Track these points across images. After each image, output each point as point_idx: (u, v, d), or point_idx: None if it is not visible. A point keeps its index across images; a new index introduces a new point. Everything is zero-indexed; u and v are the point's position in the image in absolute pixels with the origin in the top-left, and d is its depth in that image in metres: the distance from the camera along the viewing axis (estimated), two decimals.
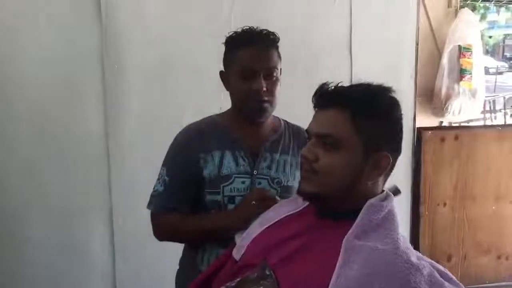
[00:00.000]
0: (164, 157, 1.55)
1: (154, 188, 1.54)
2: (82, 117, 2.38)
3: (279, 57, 1.51)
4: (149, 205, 1.54)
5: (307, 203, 1.19)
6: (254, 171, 1.50)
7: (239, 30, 1.50)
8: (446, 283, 0.97)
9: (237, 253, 1.20)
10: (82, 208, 2.43)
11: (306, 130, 1.11)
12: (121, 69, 2.38)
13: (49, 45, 2.31)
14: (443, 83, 3.38)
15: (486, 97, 3.69)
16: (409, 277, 0.91)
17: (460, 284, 1.05)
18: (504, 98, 8.85)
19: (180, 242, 1.58)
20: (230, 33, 1.51)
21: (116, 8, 2.36)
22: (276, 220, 1.21)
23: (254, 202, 1.36)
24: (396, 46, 2.83)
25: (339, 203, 1.07)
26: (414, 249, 1.04)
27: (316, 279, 0.96)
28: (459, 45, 3.39)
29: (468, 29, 3.37)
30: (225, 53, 1.53)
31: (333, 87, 1.08)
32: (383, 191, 1.11)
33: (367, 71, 2.58)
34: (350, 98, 1.05)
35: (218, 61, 2.49)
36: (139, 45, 2.38)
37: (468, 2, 3.56)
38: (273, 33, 1.50)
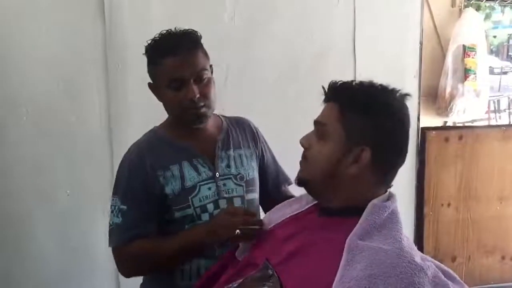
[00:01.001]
0: (114, 185, 1.44)
1: (109, 222, 1.41)
2: (85, 117, 2.38)
3: (206, 55, 1.45)
4: (110, 242, 1.41)
5: (311, 204, 1.19)
6: (216, 173, 1.46)
7: (156, 36, 1.43)
8: (451, 283, 0.97)
9: (239, 253, 1.20)
10: (86, 207, 2.43)
11: None
12: (124, 69, 2.38)
13: (52, 44, 2.31)
14: (447, 83, 3.37)
15: (490, 97, 3.67)
16: (414, 278, 0.91)
17: (464, 284, 1.04)
18: (508, 98, 8.81)
19: (155, 270, 1.44)
20: (148, 42, 1.44)
21: (119, 8, 2.36)
22: (280, 220, 1.21)
23: (238, 231, 1.25)
24: (400, 46, 2.81)
25: (328, 195, 1.11)
26: (418, 249, 1.04)
27: (319, 279, 0.96)
28: (463, 45, 3.37)
29: (472, 28, 3.36)
30: (148, 64, 1.45)
31: (341, 84, 1.12)
32: (386, 191, 1.11)
33: (370, 71, 2.57)
34: (342, 92, 1.11)
35: (220, 61, 2.51)
36: (143, 44, 2.37)
37: (472, 1, 3.55)
38: (193, 32, 1.43)
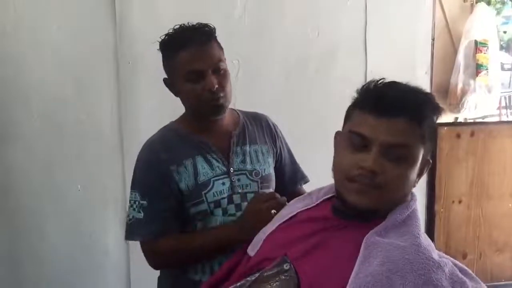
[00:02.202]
0: (132, 181, 1.45)
1: (129, 216, 1.43)
2: (96, 114, 2.40)
3: (221, 47, 1.46)
4: (130, 236, 1.43)
5: (321, 199, 1.18)
6: (231, 169, 1.45)
7: (171, 31, 1.43)
8: (468, 281, 0.96)
9: (252, 249, 1.19)
10: (97, 205, 2.44)
11: (362, 134, 1.01)
12: (135, 66, 2.39)
13: (63, 42, 2.32)
14: (459, 78, 3.33)
15: (501, 93, 3.62)
16: (431, 274, 0.90)
17: (480, 280, 1.03)
18: None
19: (181, 265, 1.46)
20: (162, 37, 1.44)
21: (130, 5, 2.36)
22: (291, 216, 1.20)
23: (274, 211, 1.27)
24: (412, 42, 2.80)
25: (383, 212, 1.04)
26: None
27: (336, 275, 0.95)
28: (475, 40, 3.33)
29: (485, 24, 3.31)
30: (164, 59, 1.46)
31: (396, 94, 1.00)
32: None
33: (382, 68, 2.57)
34: (418, 108, 1.00)
35: (230, 57, 2.49)
36: (153, 41, 2.36)
37: None
38: (207, 25, 1.43)
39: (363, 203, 0.99)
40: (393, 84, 1.03)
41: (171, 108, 2.34)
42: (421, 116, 0.99)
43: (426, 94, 1.05)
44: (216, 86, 1.38)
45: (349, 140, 1.02)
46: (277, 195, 1.35)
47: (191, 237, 1.42)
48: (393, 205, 1.02)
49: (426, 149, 1.02)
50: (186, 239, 1.42)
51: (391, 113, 0.98)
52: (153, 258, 1.44)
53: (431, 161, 1.06)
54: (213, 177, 1.43)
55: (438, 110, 1.05)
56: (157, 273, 1.58)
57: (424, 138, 1.00)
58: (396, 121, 0.97)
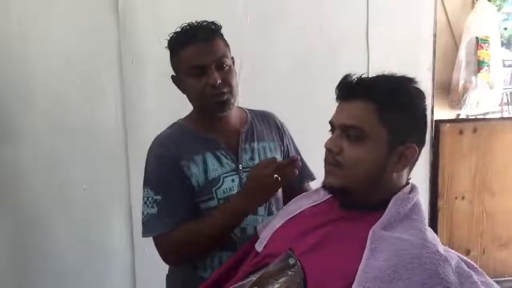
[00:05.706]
0: (144, 178, 1.45)
1: (144, 213, 1.42)
2: (100, 113, 2.39)
3: (226, 44, 1.46)
4: (146, 233, 1.41)
5: (329, 195, 1.18)
6: (239, 166, 1.46)
7: (178, 29, 1.44)
8: (474, 274, 0.96)
9: (259, 245, 1.20)
10: (102, 203, 2.44)
11: (330, 122, 1.10)
12: (138, 64, 2.39)
13: (68, 41, 2.32)
14: (460, 75, 3.34)
15: (503, 89, 3.63)
16: (438, 268, 0.91)
17: (484, 273, 1.04)
18: None
19: (195, 254, 1.43)
20: (170, 35, 1.45)
21: (133, 4, 2.37)
22: (298, 212, 1.21)
23: (276, 176, 1.27)
24: (414, 39, 2.79)
25: (364, 196, 1.06)
26: None
27: (342, 269, 0.96)
28: (476, 37, 3.34)
29: (486, 20, 3.32)
30: (171, 57, 1.47)
31: (356, 79, 1.07)
32: (407, 183, 1.10)
33: (384, 64, 2.56)
34: (374, 89, 1.04)
35: (233, 55, 2.50)
36: (156, 40, 2.37)
37: None
38: (213, 23, 1.44)
39: (330, 181, 1.07)
40: (364, 75, 1.07)
41: (175, 107, 2.34)
42: (377, 99, 1.02)
43: (397, 79, 1.07)
44: (219, 81, 1.38)
45: None
46: (278, 159, 1.37)
47: (200, 221, 1.40)
48: (365, 183, 1.04)
49: (393, 132, 1.02)
50: (195, 224, 1.39)
51: (348, 98, 1.06)
52: (167, 251, 1.41)
53: (416, 148, 1.05)
54: (223, 174, 1.43)
55: (411, 96, 1.06)
56: (163, 271, 1.58)
57: (385, 121, 1.02)
58: (351, 104, 1.05)
